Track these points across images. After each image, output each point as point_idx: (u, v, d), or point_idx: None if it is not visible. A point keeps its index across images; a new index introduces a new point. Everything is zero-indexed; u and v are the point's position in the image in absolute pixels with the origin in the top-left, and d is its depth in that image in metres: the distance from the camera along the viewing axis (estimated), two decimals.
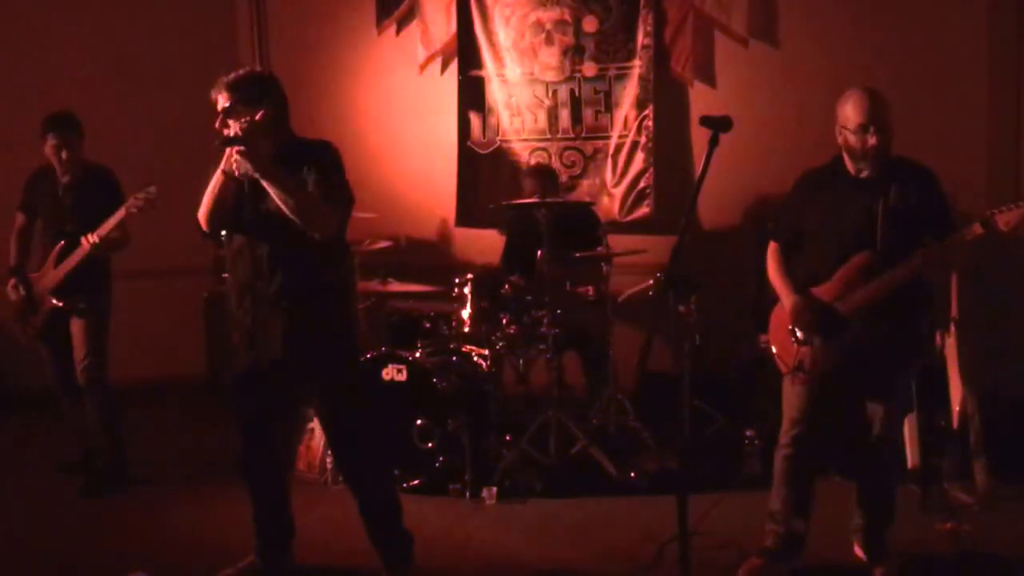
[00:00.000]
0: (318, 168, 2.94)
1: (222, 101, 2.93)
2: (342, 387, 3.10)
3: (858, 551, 3.30)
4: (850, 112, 3.01)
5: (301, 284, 2.98)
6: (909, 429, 3.94)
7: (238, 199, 2.95)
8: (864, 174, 3.05)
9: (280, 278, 2.97)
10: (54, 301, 4.25)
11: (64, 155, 4.24)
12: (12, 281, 4.38)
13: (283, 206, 2.85)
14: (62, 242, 4.24)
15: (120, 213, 4.08)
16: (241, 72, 3.00)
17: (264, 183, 2.85)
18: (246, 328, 3.03)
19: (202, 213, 3.01)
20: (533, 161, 5.74)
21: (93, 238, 4.11)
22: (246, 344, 3.04)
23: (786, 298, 3.18)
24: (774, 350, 3.25)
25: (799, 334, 3.12)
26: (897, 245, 2.97)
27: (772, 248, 3.30)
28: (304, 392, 3.15)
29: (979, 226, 2.88)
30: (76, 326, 4.28)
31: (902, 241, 2.97)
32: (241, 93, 2.92)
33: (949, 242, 2.94)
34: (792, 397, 3.20)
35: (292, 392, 3.14)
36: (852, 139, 3.01)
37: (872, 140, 2.97)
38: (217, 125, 2.92)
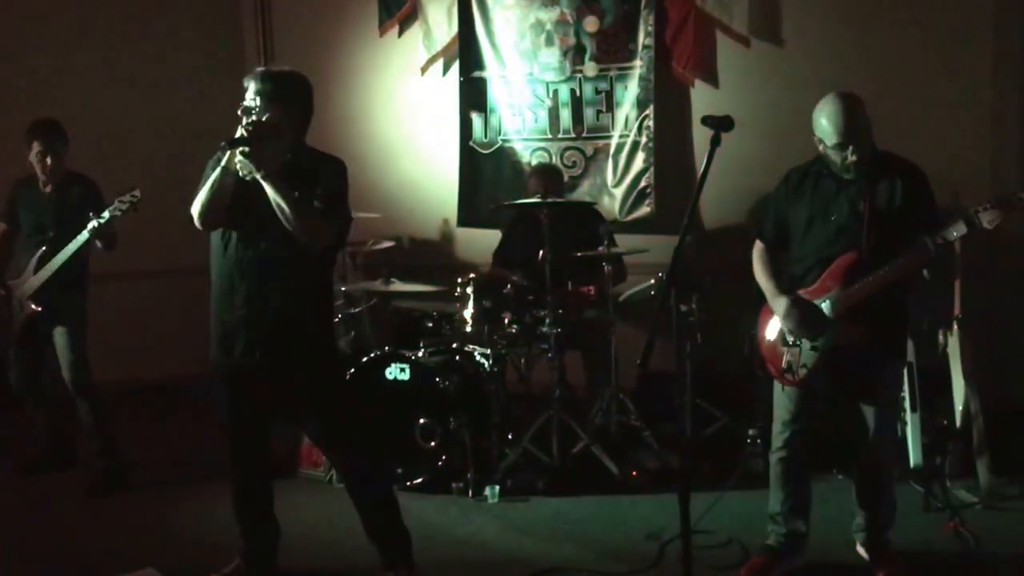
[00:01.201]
0: (326, 183, 2.97)
1: (252, 88, 2.94)
2: (324, 389, 3.09)
3: (861, 550, 3.30)
4: (826, 127, 2.97)
5: (284, 287, 2.97)
6: (912, 428, 3.94)
7: (235, 198, 2.94)
8: (849, 175, 3.05)
9: (265, 280, 2.96)
10: (33, 307, 4.26)
11: (49, 161, 4.26)
12: None
13: (279, 212, 2.86)
14: (43, 248, 4.24)
15: (105, 214, 4.08)
16: (279, 68, 3.03)
17: (265, 186, 2.86)
18: (227, 327, 3.01)
19: (196, 209, 2.96)
20: (535, 161, 5.75)
21: (94, 221, 4.09)
22: (226, 343, 3.01)
23: (773, 299, 3.15)
24: (763, 352, 3.24)
25: (787, 336, 3.12)
26: (883, 245, 2.96)
27: (758, 248, 3.29)
28: (286, 394, 3.10)
29: (964, 225, 2.88)
30: (57, 333, 4.28)
31: (888, 241, 2.96)
32: (271, 86, 2.92)
33: (933, 243, 2.93)
34: (783, 399, 3.19)
35: (272, 394, 3.09)
36: (831, 154, 3.00)
37: (852, 157, 2.96)
38: (240, 111, 2.88)
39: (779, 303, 3.11)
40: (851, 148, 2.95)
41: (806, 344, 3.08)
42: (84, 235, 4.14)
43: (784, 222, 3.19)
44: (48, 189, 4.33)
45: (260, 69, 3.00)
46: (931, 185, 3.04)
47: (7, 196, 4.48)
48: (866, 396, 3.13)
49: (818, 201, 3.08)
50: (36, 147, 4.27)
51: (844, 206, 3.02)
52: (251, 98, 2.91)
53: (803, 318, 3.04)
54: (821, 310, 3.05)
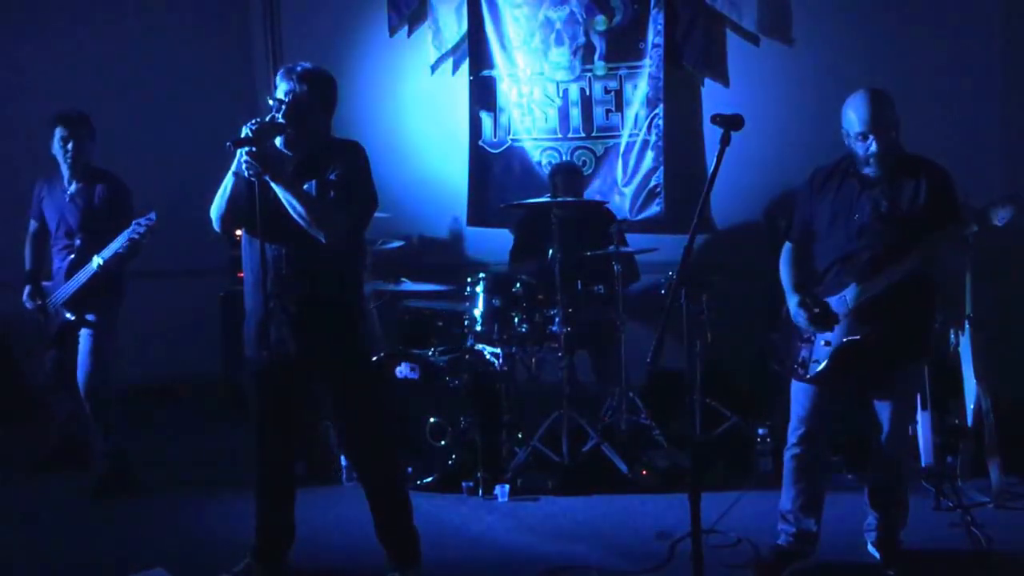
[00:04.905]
0: (338, 169, 2.96)
1: (287, 86, 2.96)
2: (355, 385, 3.11)
3: (872, 550, 3.30)
4: (851, 117, 3.02)
5: (313, 282, 2.99)
6: (923, 427, 3.93)
7: (251, 198, 2.95)
8: (873, 174, 3.06)
9: (291, 276, 2.98)
10: (67, 315, 4.26)
11: (70, 147, 4.19)
12: (29, 290, 4.39)
13: (291, 211, 2.87)
14: (72, 256, 4.23)
15: (123, 238, 4.05)
16: (312, 66, 3.03)
17: (272, 185, 2.86)
18: (258, 324, 3.03)
19: (214, 212, 3.04)
20: (545, 161, 5.75)
21: (99, 259, 4.09)
22: (257, 340, 3.04)
23: (788, 297, 3.20)
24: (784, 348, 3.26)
25: (802, 332, 3.14)
26: (903, 244, 2.97)
27: (785, 248, 3.32)
28: (317, 390, 3.15)
29: (974, 223, 2.89)
30: (83, 339, 4.27)
31: (908, 240, 2.97)
32: (307, 86, 2.96)
33: (939, 238, 2.94)
34: (799, 395, 3.20)
35: (305, 390, 3.15)
36: (854, 145, 3.03)
37: (873, 147, 2.99)
38: (271, 101, 2.94)
39: (792, 300, 3.16)
40: (872, 138, 2.97)
41: (820, 340, 3.09)
42: (93, 267, 4.13)
43: (810, 221, 3.22)
44: (72, 187, 4.29)
45: (294, 67, 3.00)
46: (956, 186, 3.05)
47: (34, 194, 4.46)
48: (882, 393, 3.14)
49: (842, 200, 3.11)
50: (59, 132, 4.20)
51: (867, 205, 3.04)
52: (283, 94, 2.94)
53: (813, 314, 3.07)
54: (831, 307, 3.06)
